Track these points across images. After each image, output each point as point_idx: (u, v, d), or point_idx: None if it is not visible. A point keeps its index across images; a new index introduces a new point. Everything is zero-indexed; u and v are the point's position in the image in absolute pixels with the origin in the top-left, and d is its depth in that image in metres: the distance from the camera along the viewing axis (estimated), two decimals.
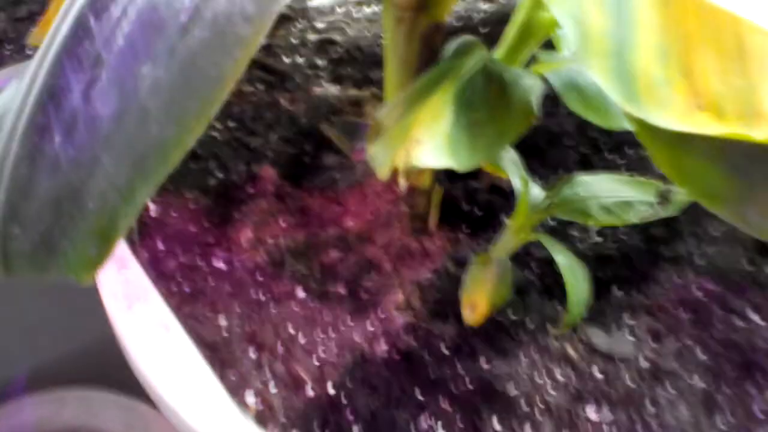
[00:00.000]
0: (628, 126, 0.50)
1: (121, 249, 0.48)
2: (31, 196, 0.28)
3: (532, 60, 0.49)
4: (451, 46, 0.46)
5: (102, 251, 0.27)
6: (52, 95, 0.28)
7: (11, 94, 0.32)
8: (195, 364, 0.43)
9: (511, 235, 0.49)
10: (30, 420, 0.72)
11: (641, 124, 0.30)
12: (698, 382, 0.47)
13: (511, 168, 0.48)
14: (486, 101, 0.41)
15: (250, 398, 0.44)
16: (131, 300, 0.46)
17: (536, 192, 0.49)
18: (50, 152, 0.27)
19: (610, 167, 0.59)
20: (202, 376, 0.43)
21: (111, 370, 0.61)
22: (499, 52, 0.48)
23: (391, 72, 0.49)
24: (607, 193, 0.48)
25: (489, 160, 0.46)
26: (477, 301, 0.47)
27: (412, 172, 0.54)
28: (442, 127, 0.39)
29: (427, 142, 0.38)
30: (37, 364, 0.74)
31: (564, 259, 0.46)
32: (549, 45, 0.49)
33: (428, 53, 0.47)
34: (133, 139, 0.26)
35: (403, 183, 0.49)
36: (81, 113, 0.27)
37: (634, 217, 0.47)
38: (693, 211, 0.53)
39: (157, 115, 0.26)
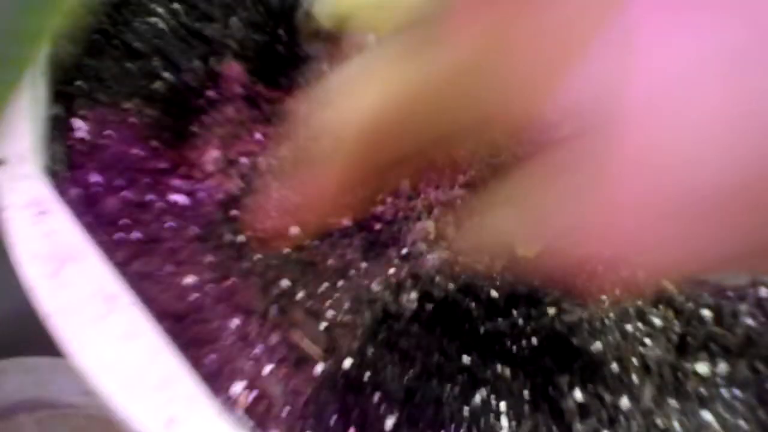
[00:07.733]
0: None
1: (38, 188, 0.34)
2: None
3: None
4: None
5: None
6: None
7: None
8: (153, 348, 0.31)
9: None
10: None
11: None
12: None
13: None
14: None
15: (237, 387, 0.32)
16: (59, 261, 0.32)
17: None
18: None
19: None
20: (166, 364, 0.30)
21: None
22: None
23: None
24: None
25: None
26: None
27: None
28: None
29: None
30: None
31: None
32: None
33: None
34: None
35: None
36: None
37: None
38: None
39: None
